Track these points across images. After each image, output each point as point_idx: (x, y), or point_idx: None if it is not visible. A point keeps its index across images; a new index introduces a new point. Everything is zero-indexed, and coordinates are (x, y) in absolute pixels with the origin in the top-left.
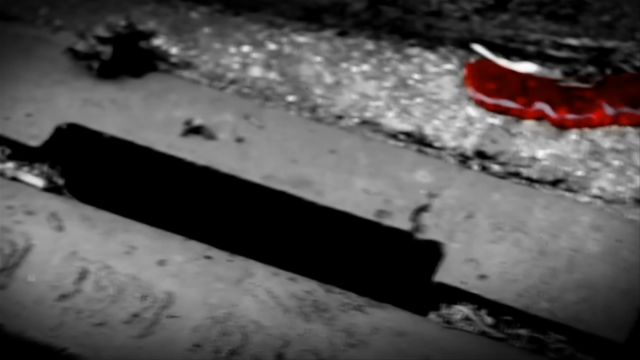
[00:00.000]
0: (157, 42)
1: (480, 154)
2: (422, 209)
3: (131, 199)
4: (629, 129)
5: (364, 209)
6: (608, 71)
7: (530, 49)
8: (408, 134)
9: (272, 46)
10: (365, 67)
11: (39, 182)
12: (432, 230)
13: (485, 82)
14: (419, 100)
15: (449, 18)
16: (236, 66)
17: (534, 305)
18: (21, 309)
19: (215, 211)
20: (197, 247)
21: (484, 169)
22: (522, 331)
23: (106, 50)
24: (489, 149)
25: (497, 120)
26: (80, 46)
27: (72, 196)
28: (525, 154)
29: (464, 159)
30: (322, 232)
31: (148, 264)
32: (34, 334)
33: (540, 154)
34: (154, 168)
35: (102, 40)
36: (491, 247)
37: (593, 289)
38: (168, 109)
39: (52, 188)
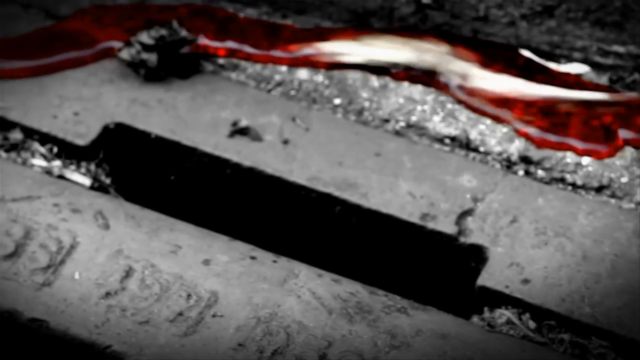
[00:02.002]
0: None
1: (526, 159)
2: (467, 212)
3: (176, 198)
4: None
5: (408, 212)
6: None
7: (577, 55)
8: (453, 139)
9: None
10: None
11: (86, 181)
12: (476, 234)
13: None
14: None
15: (496, 23)
16: (283, 68)
17: (577, 310)
18: (66, 306)
19: (261, 212)
20: (242, 248)
21: (528, 174)
22: (565, 336)
23: (151, 58)
24: (534, 154)
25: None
26: (125, 54)
27: (118, 195)
28: (570, 160)
29: (509, 164)
30: (367, 234)
31: (193, 263)
32: (79, 331)
33: (585, 160)
34: (200, 168)
35: (146, 47)
36: (535, 252)
37: (636, 294)
38: (215, 109)
39: (98, 187)
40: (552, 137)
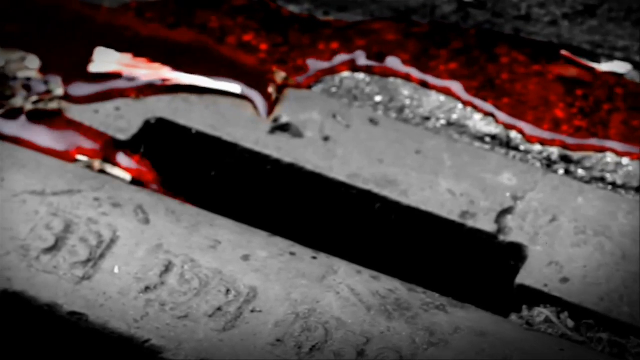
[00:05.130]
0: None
1: (566, 158)
2: (506, 211)
3: (216, 194)
4: None
5: (448, 210)
6: None
7: (618, 55)
8: (494, 137)
9: None
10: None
11: (126, 175)
12: (515, 232)
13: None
14: None
15: (538, 22)
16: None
17: (616, 310)
18: (105, 300)
19: (300, 208)
20: (281, 244)
21: (568, 173)
22: (603, 335)
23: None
24: (574, 153)
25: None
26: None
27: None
28: (610, 159)
29: (549, 163)
30: (406, 231)
31: (232, 258)
32: (118, 325)
33: (625, 159)
34: (240, 164)
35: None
36: (574, 251)
37: None
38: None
39: (139, 181)
40: (591, 140)
